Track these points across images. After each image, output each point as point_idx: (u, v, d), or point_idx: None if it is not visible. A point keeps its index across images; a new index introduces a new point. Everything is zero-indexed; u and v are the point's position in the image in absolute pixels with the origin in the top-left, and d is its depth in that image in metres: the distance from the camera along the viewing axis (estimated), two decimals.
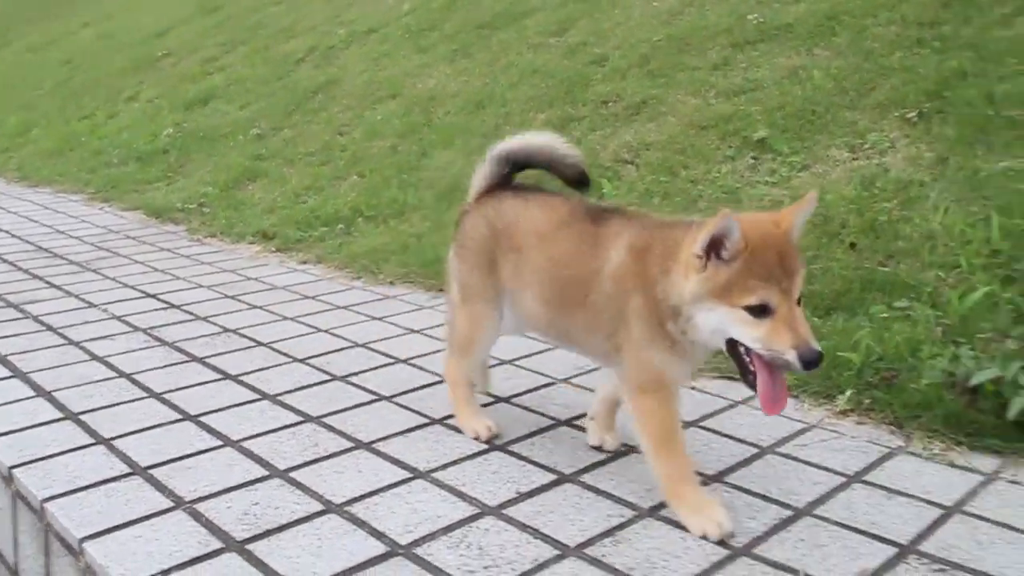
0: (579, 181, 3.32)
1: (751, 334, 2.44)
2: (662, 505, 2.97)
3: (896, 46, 6.96)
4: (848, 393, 3.70)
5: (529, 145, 3.26)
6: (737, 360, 2.55)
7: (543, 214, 3.05)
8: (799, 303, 2.46)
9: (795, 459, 3.29)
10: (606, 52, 8.68)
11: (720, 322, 2.49)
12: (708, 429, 3.57)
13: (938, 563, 2.61)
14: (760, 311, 2.41)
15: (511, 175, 3.31)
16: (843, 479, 3.14)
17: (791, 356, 2.38)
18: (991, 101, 5.85)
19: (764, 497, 3.02)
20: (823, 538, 2.77)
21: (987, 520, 2.85)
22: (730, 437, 3.49)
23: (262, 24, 15.18)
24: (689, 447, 3.37)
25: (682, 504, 2.80)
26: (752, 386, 2.54)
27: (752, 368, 2.51)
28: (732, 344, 2.53)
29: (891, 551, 2.69)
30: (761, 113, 6.64)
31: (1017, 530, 2.79)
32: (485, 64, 9.71)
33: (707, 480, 3.15)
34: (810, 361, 2.37)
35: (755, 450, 3.37)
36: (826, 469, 3.21)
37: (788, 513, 2.91)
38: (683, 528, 2.82)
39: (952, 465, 3.22)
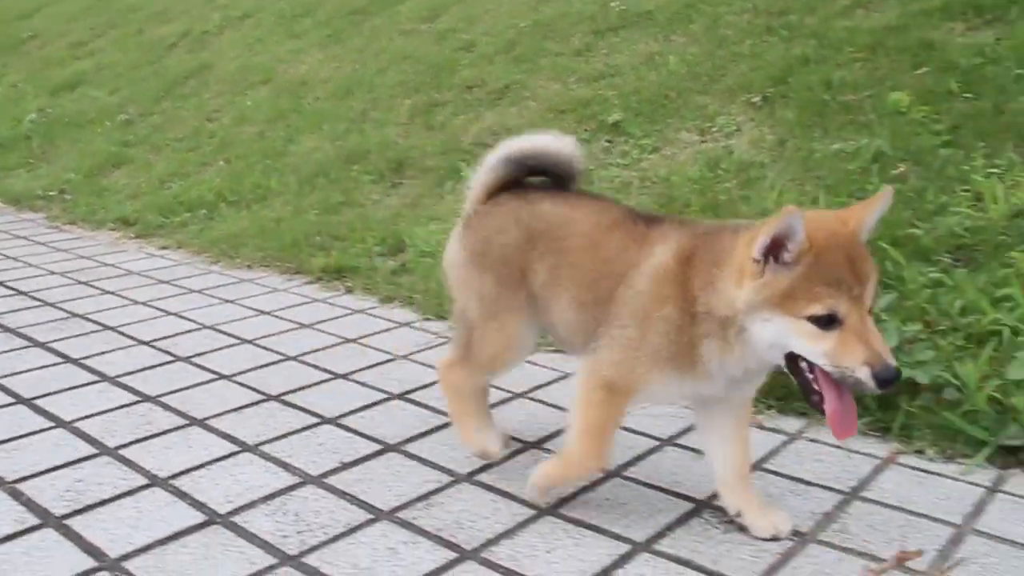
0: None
1: (816, 348, 2.15)
2: (479, 470, 3.08)
3: (747, 34, 7.21)
4: None
5: (545, 149, 2.87)
6: (799, 378, 2.28)
7: (596, 216, 2.72)
8: (871, 313, 2.18)
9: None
10: (474, 38, 8.77)
11: (779, 334, 2.20)
12: (537, 400, 3.69)
13: (728, 515, 2.76)
14: (827, 322, 2.13)
15: (518, 179, 2.91)
16: (656, 442, 3.29)
17: (863, 373, 2.10)
18: (829, 87, 6.13)
19: None
20: (626, 496, 2.91)
21: (781, 475, 3.03)
22: (555, 406, 3.61)
23: (135, 7, 14.85)
24: (515, 417, 3.50)
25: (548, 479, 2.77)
26: (817, 407, 2.26)
27: (817, 387, 2.24)
28: (793, 359, 2.24)
29: (688, 506, 2.84)
30: (618, 98, 6.81)
31: (804, 482, 2.98)
32: (356, 50, 9.70)
33: (525, 446, 3.26)
34: (886, 379, 2.09)
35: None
36: (644, 434, 3.35)
37: (598, 475, 3.03)
38: (497, 490, 2.94)
39: (762, 427, 3.40)
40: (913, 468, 3.08)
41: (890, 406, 3.31)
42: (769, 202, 5.02)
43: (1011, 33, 6.18)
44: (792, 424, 3.40)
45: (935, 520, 2.74)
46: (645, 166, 5.89)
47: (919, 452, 3.17)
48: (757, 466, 3.09)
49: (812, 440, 3.29)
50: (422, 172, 6.73)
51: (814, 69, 6.38)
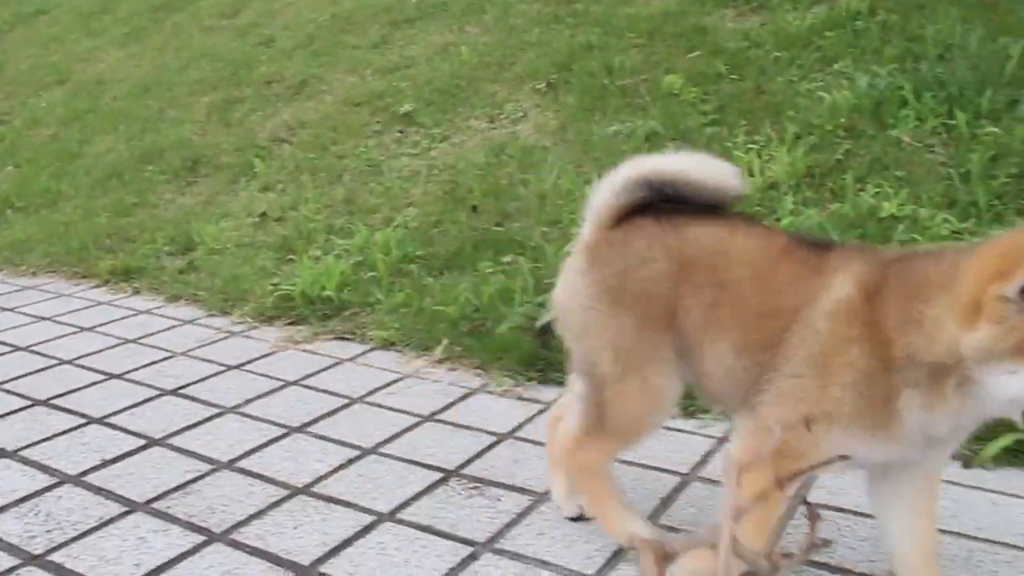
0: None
1: None
2: (240, 457, 3.14)
3: (537, 22, 7.44)
4: (444, 343, 3.99)
5: (688, 175, 2.33)
6: None
7: (761, 242, 2.27)
8: None
9: (380, 406, 3.54)
10: (274, 33, 8.73)
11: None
12: (307, 387, 3.77)
13: (474, 482, 2.91)
14: None
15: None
16: (417, 419, 3.41)
17: None
18: (610, 72, 6.39)
19: (339, 442, 3.24)
20: (379, 471, 3.02)
21: (530, 442, 3.20)
22: (325, 391, 3.69)
23: None
24: (282, 404, 3.57)
25: None
26: None
27: None
28: None
29: (436, 476, 2.97)
30: (411, 88, 6.93)
31: None
32: (156, 48, 9.51)
33: (289, 431, 3.34)
34: None
35: (345, 401, 3.59)
36: (405, 412, 3.47)
37: (354, 453, 3.14)
38: (254, 474, 3.01)
39: (520, 399, 3.56)
40: (667, 428, 3.29)
41: None
42: (547, 184, 5.23)
43: (772, 19, 6.58)
44: (549, 394, 3.58)
45: (665, 471, 2.95)
46: (434, 155, 6.02)
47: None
48: (511, 434, 3.25)
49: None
50: (217, 170, 6.68)
51: (597, 55, 6.63)
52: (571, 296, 2.40)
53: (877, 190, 4.61)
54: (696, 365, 2.27)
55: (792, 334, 2.07)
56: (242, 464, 3.11)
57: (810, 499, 1.91)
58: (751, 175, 4.89)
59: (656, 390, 2.30)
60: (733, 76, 6.00)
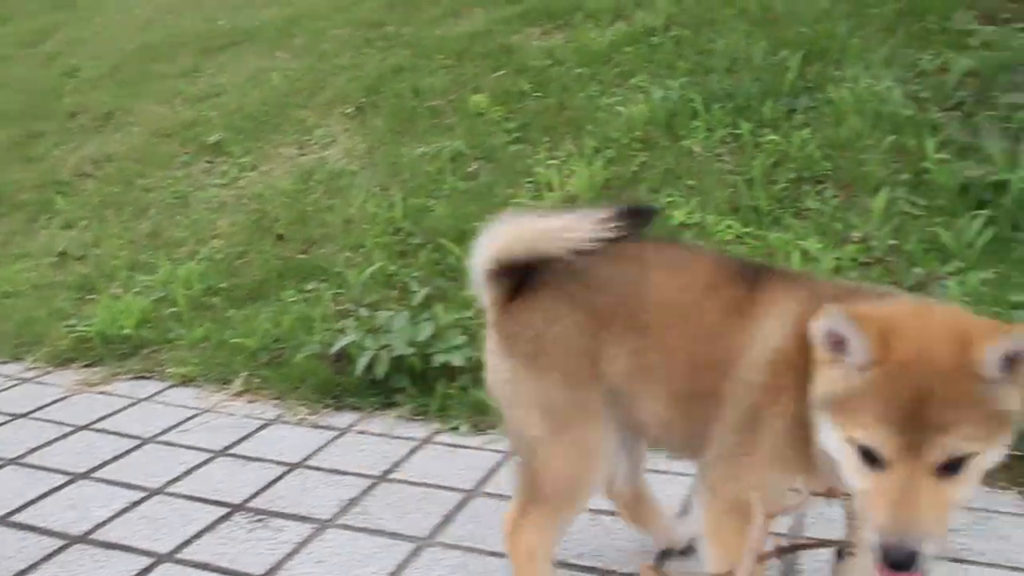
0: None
1: (853, 480, 1.71)
2: (16, 510, 3.04)
3: (347, 46, 7.45)
4: (243, 375, 3.95)
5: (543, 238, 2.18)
6: None
7: (682, 275, 2.13)
8: (942, 474, 1.62)
9: (173, 444, 3.48)
10: (80, 62, 8.47)
11: (831, 448, 1.75)
12: (99, 430, 3.67)
13: (259, 514, 2.90)
14: (868, 456, 1.67)
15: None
16: (210, 455, 3.37)
17: (872, 538, 1.63)
18: (418, 93, 6.46)
19: (125, 485, 3.18)
20: (164, 512, 2.97)
21: (320, 469, 3.20)
22: (117, 433, 3.61)
23: None
24: (68, 450, 3.47)
25: None
26: None
27: None
28: None
29: (222, 511, 2.95)
30: (220, 117, 6.83)
31: (340, 472, 3.17)
32: None
33: (73, 477, 3.25)
34: (893, 561, 1.60)
35: (136, 442, 3.52)
36: (198, 448, 3.43)
37: (140, 495, 3.08)
38: (30, 527, 2.91)
39: (316, 426, 3.56)
40: (447, 445, 3.34)
41: (430, 391, 3.58)
42: (353, 208, 5.24)
43: (576, 36, 6.78)
44: (344, 420, 3.59)
45: (450, 489, 3.00)
46: (243, 184, 5.96)
47: (454, 429, 3.45)
48: (302, 463, 3.25)
49: (360, 432, 3.49)
50: (15, 208, 6.43)
51: (406, 77, 6.69)
52: (494, 376, 2.28)
53: (669, 199, 4.79)
54: (632, 415, 2.17)
55: (726, 386, 1.98)
56: (17, 518, 3.01)
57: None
58: (551, 190, 5.02)
59: (590, 444, 2.17)
60: (537, 94, 6.15)
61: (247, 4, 8.50)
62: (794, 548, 1.84)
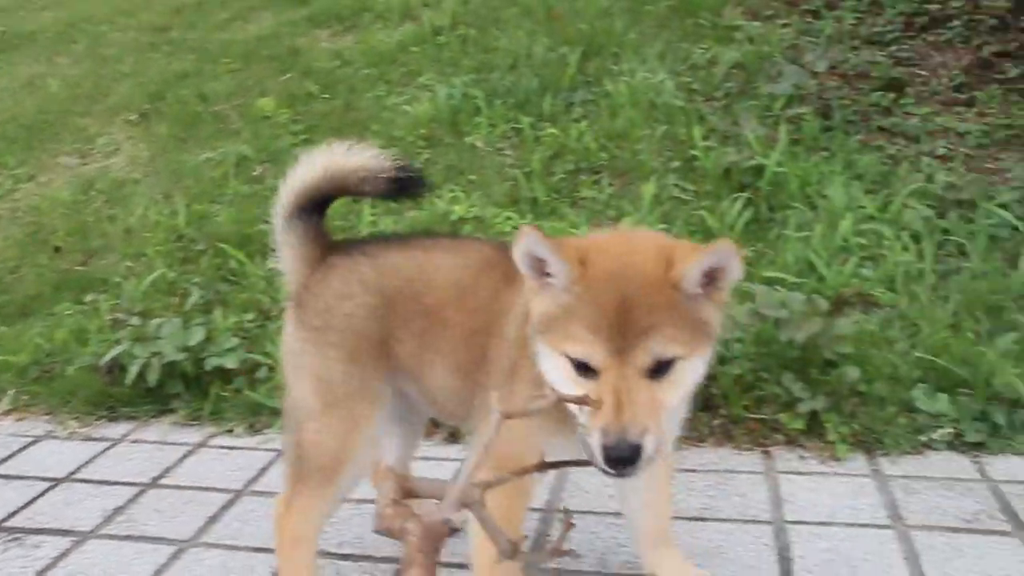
0: (402, 188, 2.39)
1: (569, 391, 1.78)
2: None
3: (131, 51, 7.23)
4: (11, 393, 3.81)
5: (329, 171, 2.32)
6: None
7: (461, 257, 2.27)
8: (652, 376, 1.75)
9: None
10: None
11: (551, 370, 1.83)
12: None
13: (16, 532, 2.81)
14: (581, 368, 1.77)
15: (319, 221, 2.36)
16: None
17: (594, 439, 1.71)
18: (204, 99, 6.34)
19: None
20: None
21: (88, 481, 3.13)
22: None
23: None
24: None
25: None
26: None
27: None
28: None
29: None
30: None
31: (109, 482, 3.10)
32: None
33: None
34: (615, 457, 1.69)
35: None
36: None
37: None
38: None
39: (88, 439, 3.47)
40: (221, 447, 3.32)
41: (204, 394, 3.54)
42: (135, 217, 5.11)
43: (363, 37, 6.80)
44: (119, 430, 3.51)
45: (219, 491, 2.98)
46: (18, 197, 5.71)
47: (229, 431, 3.43)
48: (68, 478, 3.16)
49: (134, 441, 3.42)
50: None
51: (191, 82, 6.56)
52: (284, 345, 2.35)
53: (452, 194, 4.88)
54: (422, 391, 2.29)
55: (493, 348, 2.11)
56: None
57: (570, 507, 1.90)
58: None
59: (359, 423, 2.22)
60: (325, 95, 6.15)
61: (20, 6, 8.14)
62: (553, 465, 1.92)
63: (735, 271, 1.80)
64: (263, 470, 3.10)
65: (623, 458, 1.68)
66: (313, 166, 2.31)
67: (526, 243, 1.80)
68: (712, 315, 1.83)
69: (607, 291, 1.75)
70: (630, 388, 1.71)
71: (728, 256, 1.77)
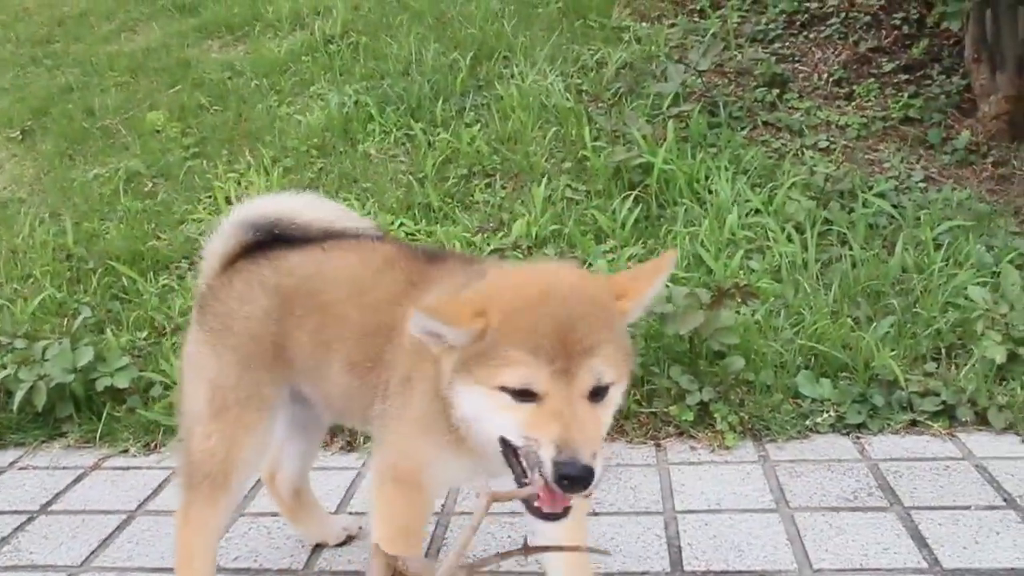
0: None
1: (508, 420, 1.73)
2: None
3: (11, 66, 7.04)
4: None
5: (291, 211, 2.31)
6: (511, 464, 1.80)
7: (359, 256, 2.21)
8: (593, 398, 1.72)
9: None
10: None
11: (476, 408, 1.78)
12: None
13: None
14: (521, 394, 1.71)
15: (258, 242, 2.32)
16: None
17: (546, 453, 1.63)
18: (90, 113, 6.20)
19: None
20: None
21: None
22: None
23: None
24: None
25: None
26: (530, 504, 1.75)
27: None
28: (505, 444, 1.77)
29: None
30: None
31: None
32: None
33: None
34: (567, 474, 1.61)
35: None
36: None
37: None
38: None
39: None
40: (115, 468, 3.27)
41: (96, 416, 3.48)
42: (19, 239, 4.98)
43: (254, 47, 6.74)
44: (7, 457, 3.42)
45: (112, 513, 2.94)
46: None
47: (125, 452, 3.37)
48: None
49: (22, 468, 3.35)
50: None
51: (77, 97, 6.41)
52: (185, 346, 2.33)
53: (346, 202, 4.86)
54: (319, 392, 2.24)
55: (389, 353, 2.04)
56: None
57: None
58: (230, 203, 4.96)
59: (248, 427, 2.20)
60: (216, 107, 6.08)
61: None
62: (541, 549, 1.85)
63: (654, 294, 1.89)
64: (158, 489, 3.07)
65: (574, 477, 1.60)
66: (271, 207, 2.33)
67: (417, 326, 1.76)
68: (628, 341, 1.84)
69: (550, 318, 1.70)
70: (577, 409, 1.67)
71: (662, 279, 1.87)
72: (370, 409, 2.08)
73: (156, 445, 3.40)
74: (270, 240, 2.28)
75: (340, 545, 2.66)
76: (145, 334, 4.00)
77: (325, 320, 2.15)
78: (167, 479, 3.12)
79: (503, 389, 1.70)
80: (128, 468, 3.26)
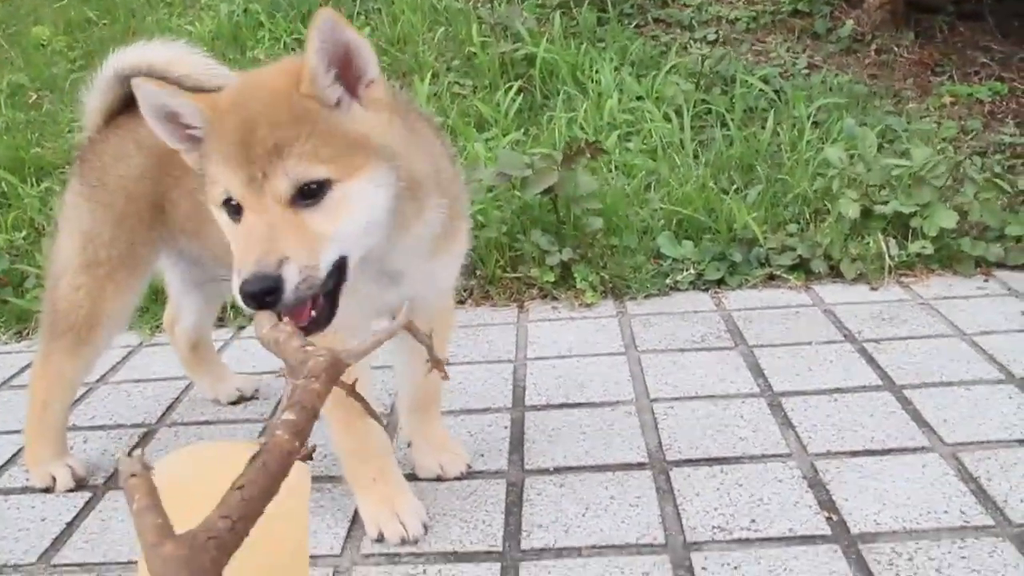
0: None
1: (231, 242, 1.62)
2: None
3: None
4: None
5: (153, 60, 2.15)
6: None
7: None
8: (303, 204, 1.55)
9: None
10: None
11: (223, 225, 1.66)
12: None
13: None
14: (233, 211, 1.59)
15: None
16: None
17: (234, 282, 1.51)
18: None
19: None
20: None
21: None
22: None
23: None
24: None
25: (362, 492, 2.01)
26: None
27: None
28: None
29: None
30: None
31: None
32: None
33: None
34: (248, 292, 1.47)
35: None
36: None
37: None
38: None
39: None
40: None
41: None
42: None
43: None
44: None
45: None
46: None
47: None
48: None
49: None
50: None
51: None
52: (62, 198, 2.30)
53: None
54: (205, 250, 2.17)
55: None
56: None
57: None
58: None
59: (118, 284, 2.19)
60: (104, 21, 5.97)
61: None
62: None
63: (361, 49, 1.58)
64: (25, 368, 3.06)
65: (257, 292, 1.46)
66: (143, 56, 2.19)
67: (148, 101, 1.66)
68: (373, 125, 1.61)
69: (234, 119, 1.56)
70: (269, 219, 1.52)
71: (335, 28, 1.54)
72: None
73: (28, 333, 3.39)
74: None
75: (232, 404, 2.69)
76: (24, 234, 3.97)
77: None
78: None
79: (222, 206, 1.61)
80: None
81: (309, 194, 1.53)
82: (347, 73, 1.58)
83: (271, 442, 1.03)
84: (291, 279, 1.48)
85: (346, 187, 1.55)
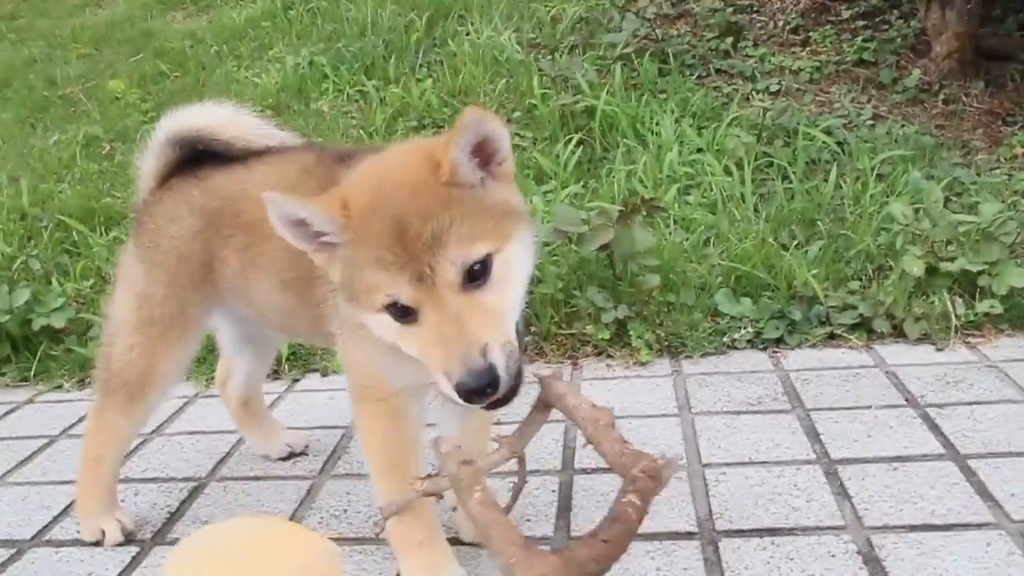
0: None
1: (414, 350, 1.61)
2: None
3: None
4: None
5: (210, 123, 2.23)
6: None
7: (278, 169, 2.11)
8: (464, 289, 1.56)
9: None
10: None
11: (386, 335, 1.66)
12: None
13: None
14: (400, 314, 1.59)
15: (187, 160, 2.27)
16: None
17: (444, 386, 1.53)
18: (52, 83, 6.28)
19: None
20: None
21: None
22: None
23: None
24: None
25: (406, 556, 1.99)
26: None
27: None
28: None
29: None
30: None
31: None
32: None
33: None
34: (472, 389, 1.49)
35: None
36: None
37: None
38: None
39: None
40: (48, 402, 3.33)
41: (32, 353, 3.54)
42: None
43: (216, 16, 6.79)
44: None
45: (35, 438, 3.00)
46: None
47: (59, 387, 3.44)
48: None
49: None
50: None
51: (40, 68, 6.48)
52: (120, 255, 2.36)
53: None
54: (252, 309, 2.22)
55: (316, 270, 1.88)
56: None
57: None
58: None
59: (169, 342, 2.23)
60: (176, 74, 6.13)
61: None
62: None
63: (500, 137, 1.63)
64: (84, 417, 3.10)
65: (481, 387, 1.48)
66: (192, 120, 2.23)
67: (276, 211, 1.63)
68: (508, 195, 1.66)
69: (380, 222, 1.55)
70: (452, 310, 1.52)
71: (480, 122, 1.57)
72: (321, 326, 2.03)
73: (90, 381, 3.44)
74: (202, 157, 2.25)
75: (283, 459, 2.70)
76: (91, 282, 4.05)
77: (251, 239, 2.10)
78: None
79: (383, 310, 1.59)
80: (60, 402, 3.31)
81: (475, 275, 1.56)
82: (483, 153, 1.63)
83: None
84: (500, 362, 1.51)
85: (505, 256, 1.60)
